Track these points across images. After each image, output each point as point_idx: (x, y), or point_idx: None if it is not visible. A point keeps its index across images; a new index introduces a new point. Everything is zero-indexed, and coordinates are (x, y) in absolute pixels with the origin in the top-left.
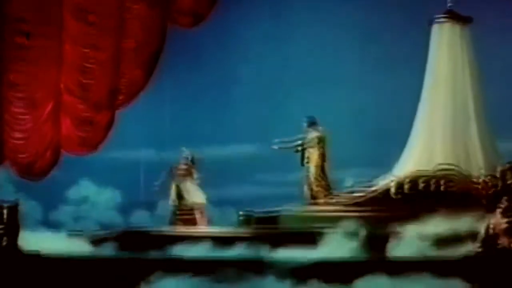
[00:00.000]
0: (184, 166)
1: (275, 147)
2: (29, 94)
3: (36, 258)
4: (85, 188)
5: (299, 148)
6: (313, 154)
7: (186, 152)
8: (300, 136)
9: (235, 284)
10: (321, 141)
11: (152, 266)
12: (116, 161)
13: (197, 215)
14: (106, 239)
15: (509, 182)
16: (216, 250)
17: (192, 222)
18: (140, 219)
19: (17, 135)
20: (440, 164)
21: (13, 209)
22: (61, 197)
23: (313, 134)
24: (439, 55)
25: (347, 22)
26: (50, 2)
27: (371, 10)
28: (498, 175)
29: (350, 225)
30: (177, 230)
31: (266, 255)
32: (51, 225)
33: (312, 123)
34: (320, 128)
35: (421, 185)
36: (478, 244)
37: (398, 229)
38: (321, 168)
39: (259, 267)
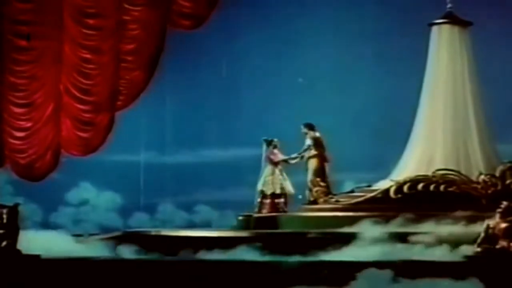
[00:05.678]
0: (275, 154)
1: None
2: (30, 95)
3: (36, 260)
4: (85, 191)
5: (292, 162)
6: (312, 156)
7: (275, 140)
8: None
9: None
10: (317, 143)
11: (152, 268)
12: (116, 164)
13: (281, 204)
14: (105, 241)
15: (508, 182)
16: (215, 252)
17: (277, 209)
18: (140, 221)
19: (18, 135)
20: (439, 169)
21: (13, 211)
22: (61, 199)
23: (309, 138)
24: (438, 57)
25: (346, 24)
26: (51, 4)
27: (370, 12)
28: (498, 175)
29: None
30: (176, 233)
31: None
32: (51, 227)
33: (309, 127)
34: (317, 131)
35: (420, 187)
36: (477, 245)
37: (399, 230)
38: (321, 170)
39: (258, 269)
